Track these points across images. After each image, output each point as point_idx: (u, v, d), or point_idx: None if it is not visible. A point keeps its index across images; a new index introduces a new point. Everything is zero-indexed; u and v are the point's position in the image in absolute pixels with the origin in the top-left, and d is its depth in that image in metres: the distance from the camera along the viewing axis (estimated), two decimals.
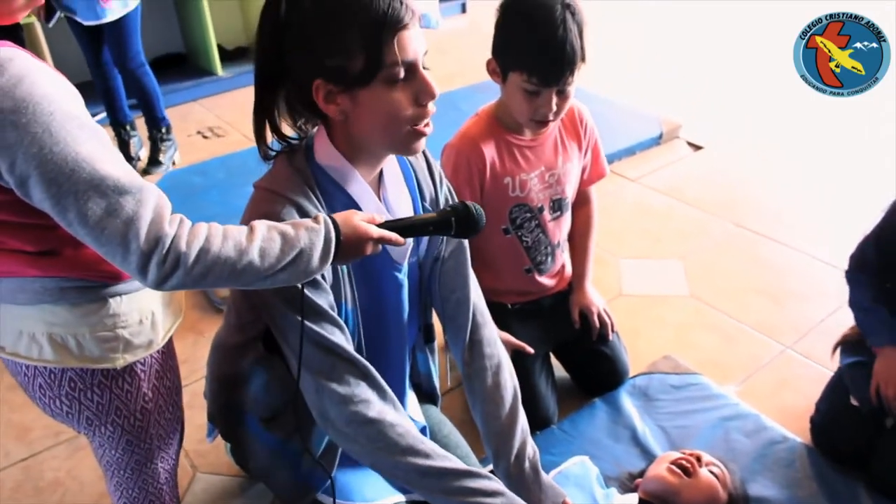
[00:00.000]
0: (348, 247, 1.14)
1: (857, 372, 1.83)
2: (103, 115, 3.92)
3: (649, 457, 1.85)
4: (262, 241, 1.04)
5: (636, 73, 4.51)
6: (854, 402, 1.83)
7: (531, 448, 1.50)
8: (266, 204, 1.22)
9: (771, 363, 2.24)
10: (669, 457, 1.67)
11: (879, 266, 1.79)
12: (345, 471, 1.51)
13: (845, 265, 1.88)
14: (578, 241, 2.10)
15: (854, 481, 1.79)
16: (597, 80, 4.12)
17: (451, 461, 1.33)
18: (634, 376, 2.13)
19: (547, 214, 1.94)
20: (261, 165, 1.32)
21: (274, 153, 1.30)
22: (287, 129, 1.30)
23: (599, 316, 2.04)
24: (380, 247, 1.19)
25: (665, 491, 1.62)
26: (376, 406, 1.29)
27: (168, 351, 1.31)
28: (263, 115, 1.25)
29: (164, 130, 3.55)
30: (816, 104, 3.76)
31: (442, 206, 1.46)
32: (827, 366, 2.08)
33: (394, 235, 1.18)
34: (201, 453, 2.01)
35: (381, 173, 1.35)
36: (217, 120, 4.13)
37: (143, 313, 1.20)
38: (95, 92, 3.55)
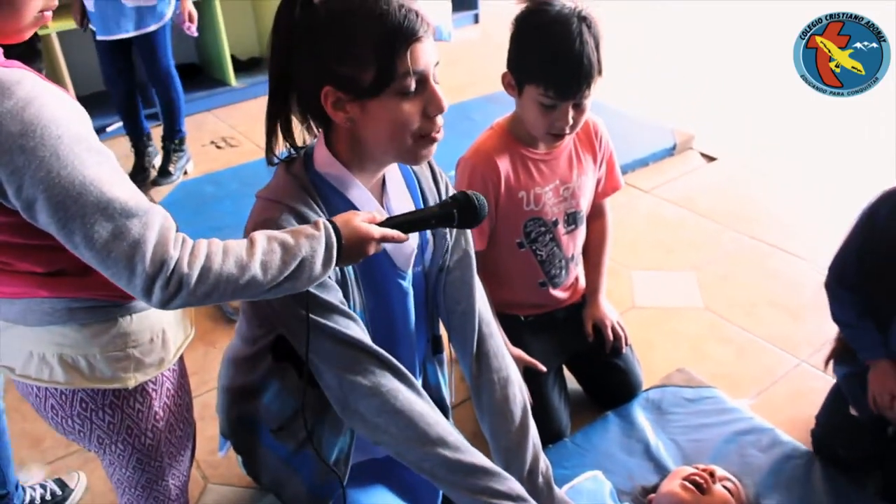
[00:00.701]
0: (350, 249, 1.13)
1: (853, 382, 1.83)
2: (119, 124, 3.96)
3: (662, 471, 1.83)
4: (262, 254, 1.04)
5: (647, 82, 4.50)
6: (853, 412, 1.83)
7: (544, 463, 1.49)
8: (266, 212, 1.23)
9: (786, 377, 2.22)
10: (682, 472, 1.65)
11: (862, 279, 1.78)
12: (356, 488, 1.50)
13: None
14: (592, 253, 2.09)
15: (869, 498, 1.77)
16: (609, 91, 4.12)
17: (479, 458, 1.33)
18: (648, 389, 2.12)
19: (561, 228, 1.93)
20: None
21: (277, 160, 1.30)
22: (299, 136, 1.30)
23: (613, 329, 2.03)
24: (382, 246, 1.19)
25: None
26: (404, 395, 1.29)
27: (179, 369, 1.30)
28: (274, 119, 1.26)
29: (177, 142, 3.57)
30: (825, 110, 3.78)
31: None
32: None
33: (395, 233, 1.18)
34: (213, 464, 2.01)
35: (383, 181, 1.35)
36: (230, 130, 4.15)
37: (154, 332, 1.20)
38: (110, 103, 3.58)
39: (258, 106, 3.76)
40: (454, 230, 1.46)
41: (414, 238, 1.37)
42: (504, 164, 1.83)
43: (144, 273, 0.95)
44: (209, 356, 2.37)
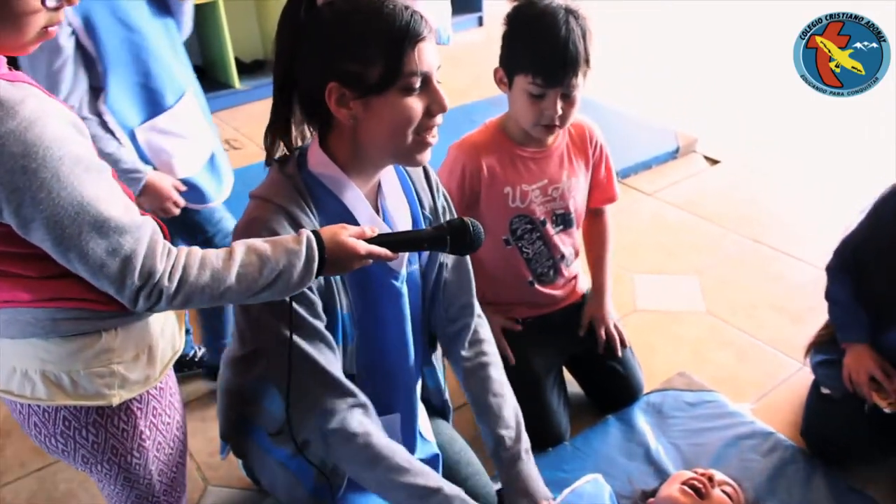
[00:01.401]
0: (334, 262, 1.14)
1: (825, 365, 1.91)
2: None
3: (662, 475, 1.83)
4: (239, 265, 1.07)
5: (650, 84, 4.50)
6: (825, 390, 1.88)
7: (526, 438, 1.55)
8: (256, 211, 1.25)
9: (787, 381, 2.21)
10: (681, 476, 1.65)
11: (862, 269, 1.85)
12: (355, 492, 1.49)
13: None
14: (593, 254, 2.11)
15: (871, 501, 1.77)
16: (612, 93, 4.12)
17: (430, 478, 1.35)
18: (648, 393, 2.12)
19: (550, 228, 1.94)
20: None
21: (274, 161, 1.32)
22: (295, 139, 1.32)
23: (608, 331, 2.04)
24: (370, 261, 1.19)
25: None
26: (356, 420, 1.32)
27: (167, 386, 1.27)
28: (279, 120, 1.27)
29: None
30: (827, 111, 3.77)
31: (440, 217, 1.47)
32: None
33: (383, 251, 1.18)
34: (213, 466, 2.01)
35: (379, 184, 1.36)
36: (234, 132, 4.16)
37: (140, 347, 1.18)
38: None
39: (262, 108, 3.77)
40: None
41: None
42: (489, 158, 1.85)
43: (133, 285, 1.01)
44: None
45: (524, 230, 1.92)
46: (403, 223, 1.38)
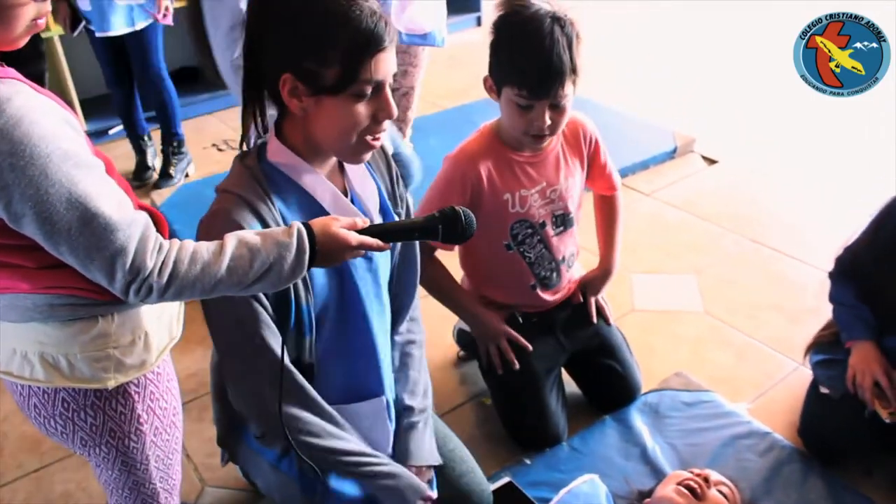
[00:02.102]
0: (325, 254, 1.15)
1: (825, 365, 1.90)
2: (120, 128, 3.98)
3: (659, 475, 1.83)
4: (230, 259, 1.08)
5: (647, 84, 4.50)
6: (824, 390, 1.87)
7: (430, 410, 1.64)
8: (218, 203, 1.27)
9: (785, 381, 2.21)
10: (677, 477, 1.65)
11: (864, 279, 1.85)
12: (344, 482, 1.49)
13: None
14: (603, 232, 2.13)
15: (868, 502, 1.77)
16: (610, 93, 4.12)
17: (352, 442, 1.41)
18: (646, 393, 2.12)
19: (550, 230, 1.93)
20: None
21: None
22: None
23: (598, 301, 2.09)
24: (362, 252, 1.21)
25: None
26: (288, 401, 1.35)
27: (164, 372, 1.30)
28: (250, 104, 1.29)
29: (175, 145, 3.60)
30: (826, 111, 3.76)
31: (399, 203, 1.50)
32: None
33: (374, 241, 1.19)
34: (210, 467, 2.01)
35: (341, 166, 1.39)
36: (232, 132, 4.16)
37: (136, 333, 1.20)
38: (112, 106, 3.60)
39: None
40: (405, 206, 1.53)
41: (376, 214, 1.41)
42: (486, 166, 1.83)
43: (123, 279, 1.02)
44: (207, 358, 2.36)
45: (525, 234, 1.91)
46: (372, 203, 1.41)
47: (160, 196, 3.37)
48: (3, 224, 1.01)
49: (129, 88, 3.43)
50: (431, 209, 1.29)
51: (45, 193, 0.97)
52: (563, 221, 1.95)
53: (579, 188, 1.97)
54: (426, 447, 1.57)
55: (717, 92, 4.38)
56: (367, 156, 1.32)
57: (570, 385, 2.14)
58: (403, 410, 1.58)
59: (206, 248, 1.08)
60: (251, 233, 1.12)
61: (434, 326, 2.36)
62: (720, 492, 1.61)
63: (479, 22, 5.78)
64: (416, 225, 1.25)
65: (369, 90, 1.21)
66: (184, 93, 3.75)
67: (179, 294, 1.06)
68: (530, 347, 1.97)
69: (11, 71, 1.02)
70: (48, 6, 1.05)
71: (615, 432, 2.00)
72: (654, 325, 2.48)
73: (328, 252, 1.15)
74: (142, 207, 1.15)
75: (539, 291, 2.00)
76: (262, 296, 1.28)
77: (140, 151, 3.64)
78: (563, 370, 2.11)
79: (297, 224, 1.14)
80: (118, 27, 3.10)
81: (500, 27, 1.73)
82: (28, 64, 3.58)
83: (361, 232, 1.18)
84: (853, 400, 1.79)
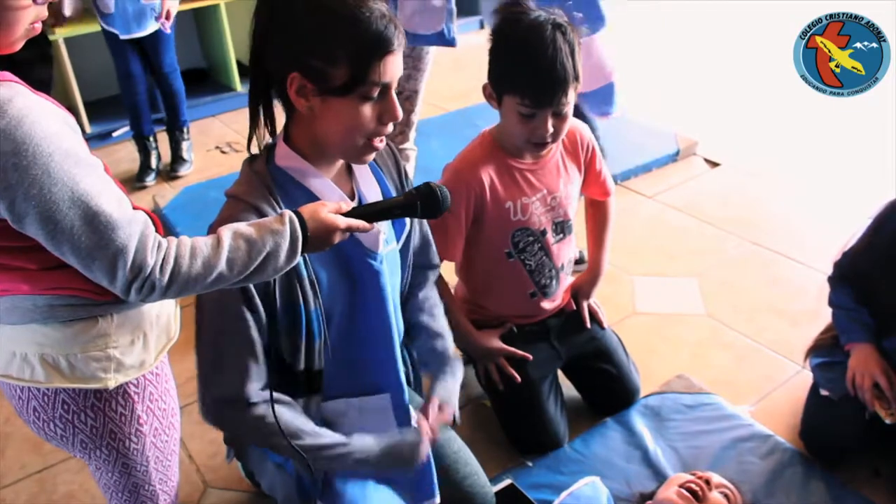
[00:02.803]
0: (316, 239, 1.17)
1: (825, 367, 1.91)
2: (123, 130, 4.01)
3: (661, 477, 1.83)
4: (228, 251, 1.09)
5: (650, 87, 4.50)
6: (824, 392, 1.88)
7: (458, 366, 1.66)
8: (227, 210, 1.29)
9: (786, 383, 2.21)
10: (679, 479, 1.65)
11: (862, 283, 1.87)
12: (343, 480, 1.50)
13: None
14: (594, 236, 2.13)
15: (869, 503, 1.78)
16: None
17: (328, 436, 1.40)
18: (647, 396, 2.12)
19: (550, 237, 1.93)
20: None
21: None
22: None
23: (590, 305, 2.09)
24: (348, 235, 1.23)
25: None
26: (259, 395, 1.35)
27: (162, 373, 1.30)
28: (255, 103, 1.30)
29: (185, 131, 3.75)
30: (828, 114, 3.76)
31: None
32: None
33: (360, 222, 1.22)
34: (213, 468, 2.02)
35: (349, 167, 1.40)
36: (235, 135, 4.17)
37: (135, 333, 1.21)
38: (116, 108, 3.64)
39: None
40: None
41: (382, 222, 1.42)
42: (488, 175, 1.82)
43: (125, 278, 1.02)
44: None
45: (526, 242, 1.91)
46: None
47: (164, 199, 3.37)
48: (5, 226, 1.02)
49: (135, 88, 3.51)
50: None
51: (48, 192, 0.97)
52: (563, 228, 1.95)
53: (577, 195, 1.98)
54: (448, 388, 1.59)
55: (718, 94, 4.39)
56: (371, 157, 1.33)
57: (570, 389, 2.14)
58: (422, 330, 1.62)
59: (204, 242, 1.09)
60: (243, 224, 1.14)
61: None
62: (722, 494, 1.61)
63: (481, 25, 5.79)
64: (396, 203, 1.30)
65: (376, 92, 1.23)
66: (188, 95, 3.79)
67: (182, 290, 1.07)
68: (530, 357, 1.97)
69: (8, 74, 1.02)
70: (45, 11, 1.06)
71: (617, 435, 2.00)
72: (656, 327, 2.48)
73: (319, 237, 1.17)
74: (137, 209, 1.15)
75: (538, 300, 2.00)
76: (256, 300, 1.30)
77: (144, 152, 3.69)
78: (561, 374, 2.11)
79: (288, 212, 1.16)
80: (145, 28, 3.25)
81: (499, 35, 1.72)
82: (35, 68, 3.62)
83: (347, 214, 1.21)
84: (854, 402, 1.80)
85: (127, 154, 3.95)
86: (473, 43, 5.46)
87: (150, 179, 3.66)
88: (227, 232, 1.11)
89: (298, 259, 1.16)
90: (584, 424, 2.06)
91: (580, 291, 2.10)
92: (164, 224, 3.03)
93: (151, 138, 3.69)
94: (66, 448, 1.26)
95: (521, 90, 1.67)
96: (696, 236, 2.99)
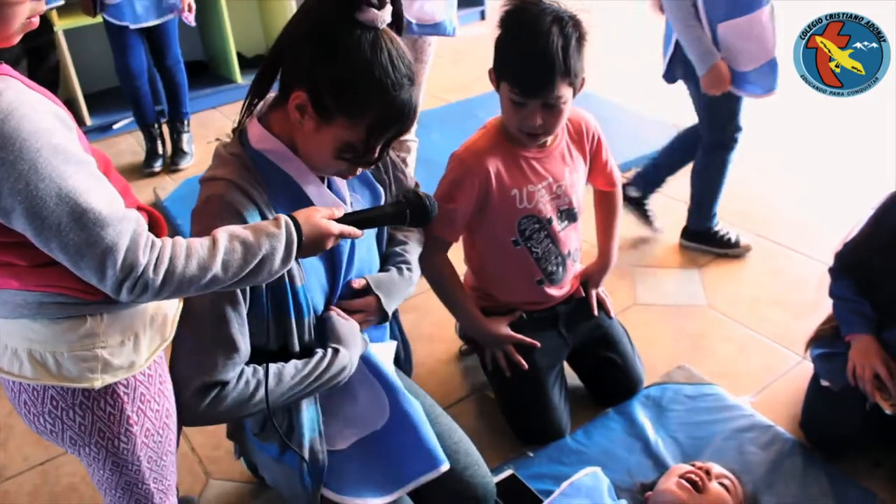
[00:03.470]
0: (310, 244, 1.19)
1: (825, 358, 1.91)
2: (127, 121, 4.01)
3: (661, 468, 1.84)
4: (224, 253, 1.09)
5: (650, 79, 4.48)
6: (825, 383, 1.88)
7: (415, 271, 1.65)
8: (209, 189, 1.30)
9: (787, 374, 2.22)
10: (679, 470, 1.66)
11: (864, 274, 1.86)
12: (339, 467, 1.51)
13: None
14: (603, 226, 2.15)
15: (870, 495, 1.77)
16: (612, 88, 4.12)
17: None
18: (648, 386, 2.12)
19: (556, 225, 1.93)
20: None
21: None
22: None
23: (598, 294, 2.11)
24: (339, 241, 1.25)
25: None
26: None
27: (156, 374, 1.27)
28: (254, 96, 1.34)
29: (186, 123, 3.77)
30: (828, 107, 3.74)
31: (395, 192, 1.56)
32: None
33: (352, 229, 1.26)
34: (214, 460, 2.02)
35: None
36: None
37: (126, 334, 1.18)
38: (116, 100, 3.64)
39: None
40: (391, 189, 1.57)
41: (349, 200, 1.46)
42: (494, 164, 1.83)
43: (115, 277, 1.01)
44: None
45: (532, 230, 1.91)
46: (346, 191, 1.45)
47: (164, 191, 3.37)
48: None
49: (137, 79, 3.52)
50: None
51: (35, 188, 0.96)
52: (569, 216, 1.95)
53: (582, 183, 1.98)
54: (395, 292, 1.55)
55: None
56: (341, 177, 1.39)
57: (573, 379, 2.14)
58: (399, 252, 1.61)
59: (200, 243, 1.08)
60: (239, 227, 1.14)
61: (437, 321, 2.38)
62: (722, 484, 1.61)
63: (483, 16, 5.79)
64: (386, 212, 1.36)
65: (366, 148, 1.28)
66: (189, 87, 3.79)
67: (177, 291, 1.06)
68: (538, 345, 1.97)
69: (5, 66, 1.01)
70: (42, 5, 1.05)
71: (618, 425, 2.00)
72: (657, 318, 2.48)
73: (313, 242, 1.19)
74: (140, 209, 1.14)
75: (545, 287, 2.00)
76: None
77: (150, 139, 3.72)
78: (566, 365, 2.12)
79: (284, 217, 1.17)
80: (153, 17, 3.28)
81: (504, 23, 1.74)
82: (39, 58, 3.62)
83: (339, 220, 1.24)
84: (854, 393, 1.80)
85: (128, 146, 3.95)
86: (474, 34, 5.48)
87: (159, 165, 3.69)
88: (222, 233, 1.11)
89: (292, 263, 1.16)
90: (585, 415, 2.06)
91: (590, 280, 2.11)
92: (165, 216, 3.03)
93: (156, 125, 3.72)
94: (57, 443, 1.24)
95: (512, 78, 1.69)
96: None
